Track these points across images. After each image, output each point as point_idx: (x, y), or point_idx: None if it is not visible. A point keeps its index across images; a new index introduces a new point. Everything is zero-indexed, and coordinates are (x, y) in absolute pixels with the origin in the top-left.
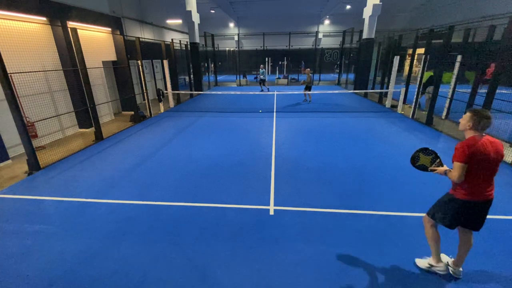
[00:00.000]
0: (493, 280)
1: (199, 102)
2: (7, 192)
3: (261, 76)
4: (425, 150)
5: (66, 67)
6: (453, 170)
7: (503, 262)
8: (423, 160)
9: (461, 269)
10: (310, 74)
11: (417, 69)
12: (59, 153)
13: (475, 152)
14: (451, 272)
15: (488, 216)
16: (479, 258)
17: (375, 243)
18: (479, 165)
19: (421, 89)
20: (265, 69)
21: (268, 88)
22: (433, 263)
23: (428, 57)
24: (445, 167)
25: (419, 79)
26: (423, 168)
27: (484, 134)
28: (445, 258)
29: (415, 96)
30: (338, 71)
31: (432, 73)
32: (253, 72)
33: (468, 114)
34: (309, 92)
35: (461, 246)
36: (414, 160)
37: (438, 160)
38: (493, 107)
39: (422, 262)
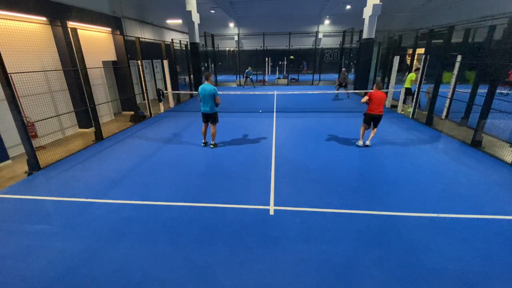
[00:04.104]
0: (493, 279)
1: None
2: (7, 192)
3: (249, 76)
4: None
5: (66, 67)
6: (364, 98)
7: (503, 262)
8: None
9: (369, 142)
10: (346, 74)
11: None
12: (59, 153)
13: (371, 95)
14: (366, 144)
15: (488, 216)
16: (480, 259)
17: (375, 243)
18: (373, 100)
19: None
20: (250, 69)
21: (254, 87)
22: (359, 142)
23: (428, 57)
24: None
25: (405, 80)
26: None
27: (378, 90)
28: (363, 141)
29: (415, 96)
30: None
31: (414, 75)
32: (253, 73)
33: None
34: (347, 91)
35: (371, 133)
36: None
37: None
38: (493, 106)
39: (359, 142)
